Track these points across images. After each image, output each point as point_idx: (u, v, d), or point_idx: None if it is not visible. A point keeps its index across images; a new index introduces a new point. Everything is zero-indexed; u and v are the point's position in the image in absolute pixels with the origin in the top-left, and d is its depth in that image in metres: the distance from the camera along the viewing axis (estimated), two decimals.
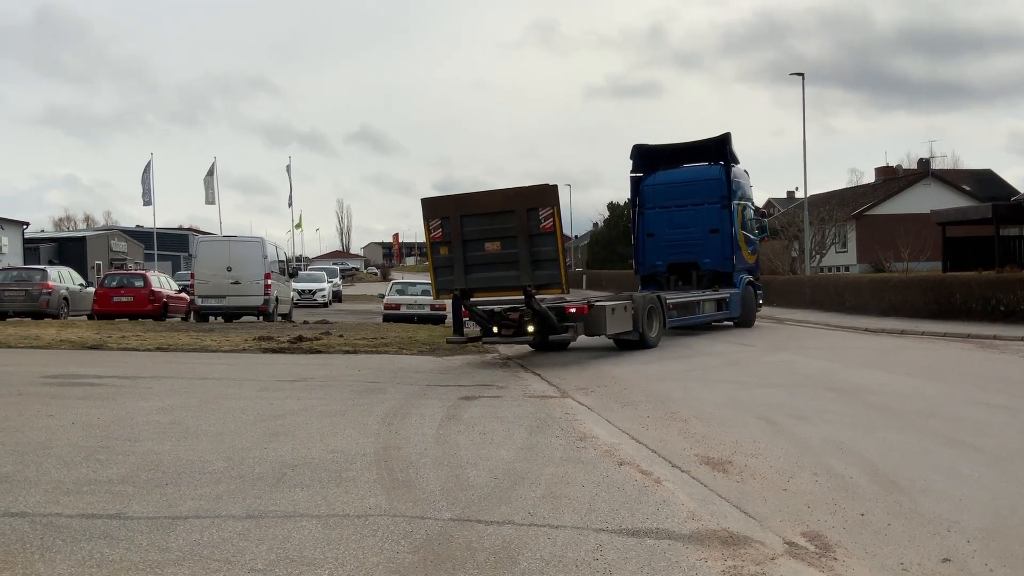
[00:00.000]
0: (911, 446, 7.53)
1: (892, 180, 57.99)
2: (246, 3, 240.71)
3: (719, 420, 8.85)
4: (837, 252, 51.10)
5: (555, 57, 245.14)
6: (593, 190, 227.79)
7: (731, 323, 21.71)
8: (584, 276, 64.03)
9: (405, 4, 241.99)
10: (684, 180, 21.89)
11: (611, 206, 72.84)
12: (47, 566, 4.14)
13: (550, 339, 15.06)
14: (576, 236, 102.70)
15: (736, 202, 21.20)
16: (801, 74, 36.96)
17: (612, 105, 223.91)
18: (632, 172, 22.41)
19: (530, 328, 14.51)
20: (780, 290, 32.65)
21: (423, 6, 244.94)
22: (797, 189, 70.44)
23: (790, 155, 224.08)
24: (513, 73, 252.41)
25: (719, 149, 21.39)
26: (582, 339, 15.70)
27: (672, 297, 18.44)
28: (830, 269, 48.76)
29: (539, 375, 12.89)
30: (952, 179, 56.66)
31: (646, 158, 22.31)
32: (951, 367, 13.88)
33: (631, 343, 15.91)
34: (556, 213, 13.42)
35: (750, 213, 22.51)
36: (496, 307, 14.84)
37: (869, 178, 65.03)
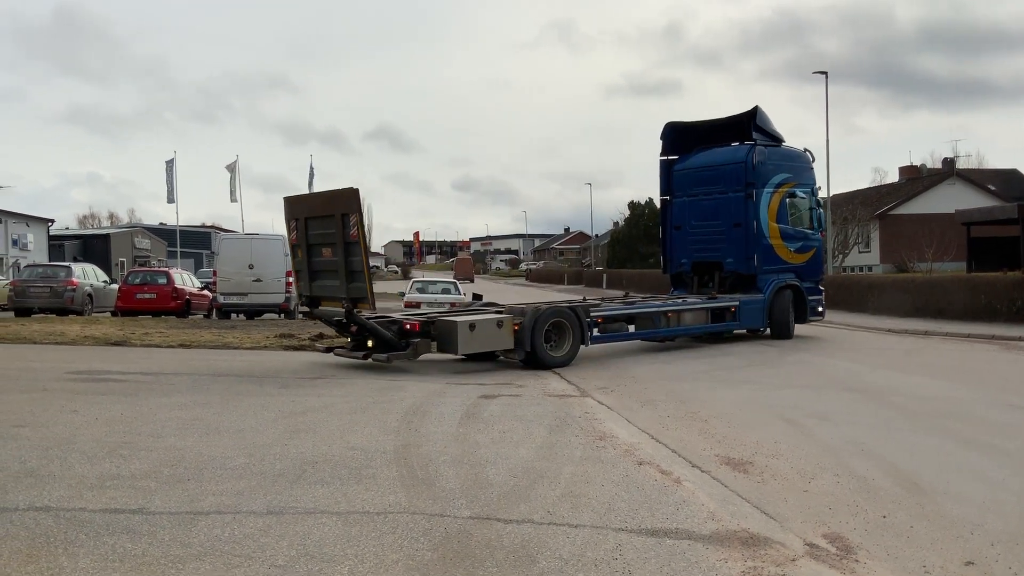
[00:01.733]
0: (934, 448, 7.47)
1: (916, 180, 57.45)
2: (263, 2, 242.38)
3: (740, 420, 8.81)
4: (860, 252, 50.71)
5: (573, 56, 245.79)
6: (613, 189, 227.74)
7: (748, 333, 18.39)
8: (604, 276, 63.87)
9: (422, 3, 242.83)
10: (710, 164, 18.61)
11: (632, 205, 72.55)
12: (70, 560, 4.18)
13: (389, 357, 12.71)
14: (597, 235, 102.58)
15: (769, 190, 17.69)
16: (824, 72, 36.62)
17: (631, 104, 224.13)
18: (662, 154, 19.34)
19: (369, 343, 13.13)
20: None
21: (440, 5, 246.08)
22: (820, 188, 69.90)
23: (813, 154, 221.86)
24: (531, 72, 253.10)
25: (749, 126, 18.12)
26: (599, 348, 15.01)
27: (611, 309, 15.38)
28: (853, 269, 48.38)
29: (559, 374, 12.87)
30: (977, 179, 56.01)
31: (679, 138, 19.23)
32: (976, 369, 13.74)
33: (530, 361, 13.33)
34: (359, 221, 12.52)
35: (798, 202, 18.44)
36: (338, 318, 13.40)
37: (893, 177, 64.50)
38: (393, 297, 36.77)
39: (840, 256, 45.17)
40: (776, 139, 18.26)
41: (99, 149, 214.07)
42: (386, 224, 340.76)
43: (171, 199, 47.49)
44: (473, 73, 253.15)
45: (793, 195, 18.25)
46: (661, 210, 19.97)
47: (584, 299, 16.88)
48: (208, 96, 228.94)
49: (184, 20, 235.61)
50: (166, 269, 32.38)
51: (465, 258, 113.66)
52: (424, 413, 8.84)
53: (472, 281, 74.91)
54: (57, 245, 57.06)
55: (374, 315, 13.74)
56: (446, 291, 25.90)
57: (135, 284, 27.06)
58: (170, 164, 46.64)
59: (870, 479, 6.25)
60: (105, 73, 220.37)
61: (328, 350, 14.05)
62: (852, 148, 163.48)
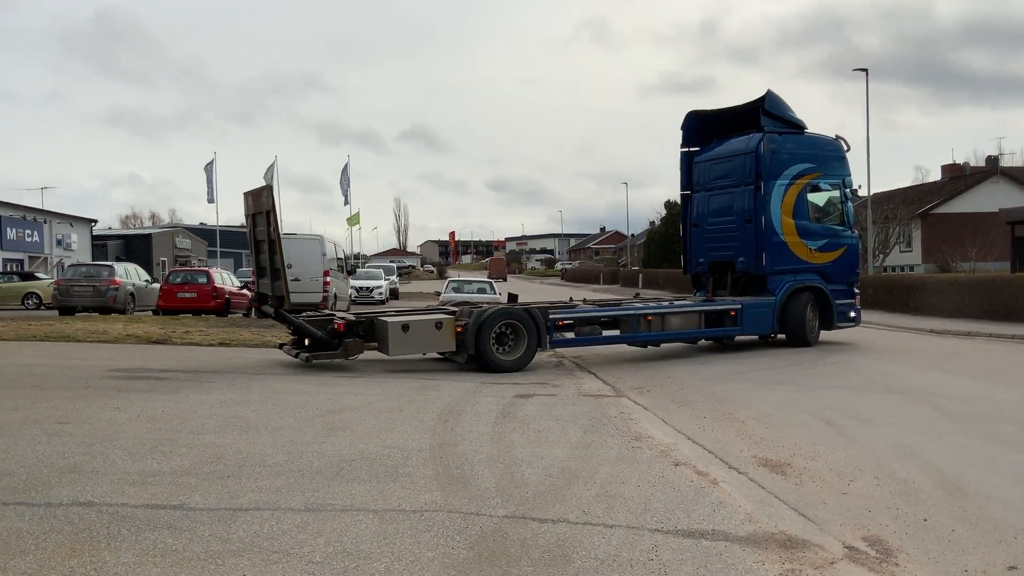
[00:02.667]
0: (978, 450, 7.34)
1: (959, 178, 56.44)
2: (297, 2, 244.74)
3: (778, 421, 8.73)
4: (901, 252, 49.97)
5: (607, 54, 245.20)
6: (649, 189, 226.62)
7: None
8: (640, 275, 63.59)
9: (455, 3, 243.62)
10: (723, 155, 17.20)
11: (668, 204, 72.03)
12: (112, 555, 4.26)
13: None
14: (633, 235, 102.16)
15: (783, 182, 16.12)
16: (865, 70, 36.21)
17: (667, 102, 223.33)
18: (682, 146, 18.03)
19: (306, 341, 12.98)
20: None
21: (474, 5, 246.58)
22: (860, 187, 69.01)
23: (852, 152, 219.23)
24: (565, 71, 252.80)
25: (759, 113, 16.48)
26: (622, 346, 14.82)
27: (574, 312, 14.39)
28: (894, 269, 47.69)
29: (594, 374, 12.84)
30: (1022, 176, 54.92)
31: (701, 128, 17.84)
32: (1020, 370, 13.48)
33: (480, 364, 12.83)
34: (273, 218, 12.56)
35: (823, 196, 16.84)
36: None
37: (935, 176, 63.50)
38: (429, 296, 36.93)
39: (881, 256, 44.56)
40: (795, 126, 16.62)
41: (139, 150, 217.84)
42: (421, 224, 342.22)
43: (211, 199, 48.19)
44: (507, 72, 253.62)
45: (816, 187, 16.57)
46: (681, 206, 18.59)
47: (571, 299, 16.14)
48: (245, 97, 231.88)
49: (220, 21, 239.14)
50: (206, 269, 32.81)
51: (498, 258, 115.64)
52: (460, 412, 8.87)
53: (505, 280, 75.53)
54: (100, 245, 58.04)
55: (316, 314, 13.88)
56: (481, 291, 25.98)
57: (176, 283, 27.46)
58: (210, 165, 47.29)
59: (911, 481, 6.16)
60: (145, 75, 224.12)
61: (281, 346, 14.17)
62: (893, 146, 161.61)
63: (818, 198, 16.79)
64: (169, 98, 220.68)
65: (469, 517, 5.03)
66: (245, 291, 28.79)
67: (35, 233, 48.52)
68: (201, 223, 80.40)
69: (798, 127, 16.67)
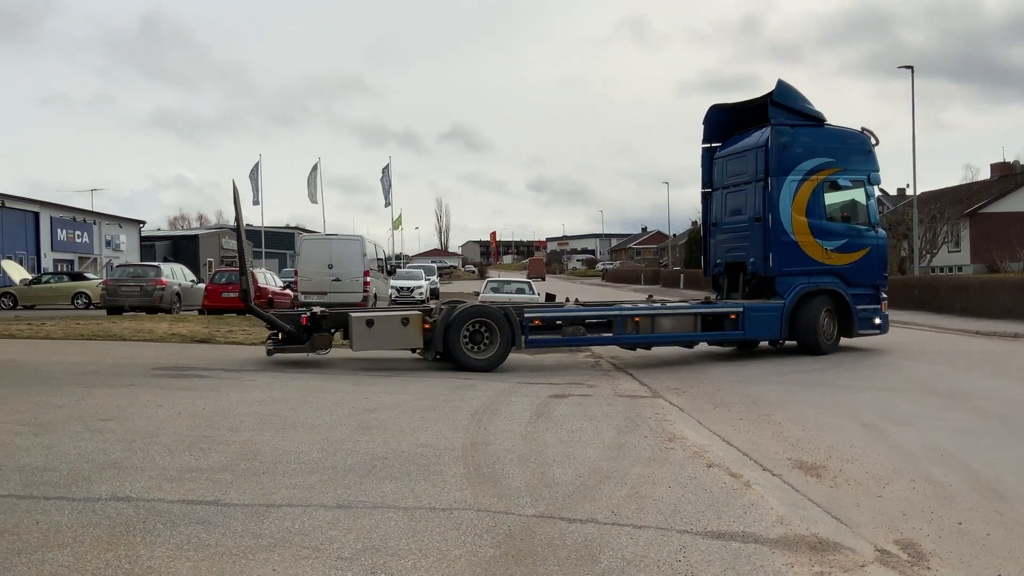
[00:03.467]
0: (1018, 455, 7.20)
1: (1009, 176, 55.22)
2: (335, 4, 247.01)
3: (815, 423, 8.64)
4: (949, 252, 49.07)
5: (646, 53, 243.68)
6: (690, 188, 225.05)
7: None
8: (682, 275, 63.18)
9: (493, 3, 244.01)
10: (737, 151, 16.38)
11: None
12: (147, 548, 4.36)
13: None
14: (675, 235, 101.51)
15: (795, 177, 15.11)
16: (910, 67, 35.61)
17: (707, 100, 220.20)
18: (704, 141, 17.18)
19: (280, 335, 13.24)
20: (887, 291, 31.50)
21: (511, 5, 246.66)
22: (908, 186, 67.95)
23: (898, 151, 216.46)
24: (604, 70, 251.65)
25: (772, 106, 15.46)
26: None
27: (552, 311, 14.12)
28: (942, 269, 46.82)
29: (631, 374, 12.81)
30: None
31: (723, 122, 16.89)
32: None
33: (453, 362, 12.88)
34: (237, 216, 12.91)
35: (843, 193, 15.73)
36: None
37: (985, 174, 62.13)
38: (468, 296, 37.04)
39: (928, 255, 43.79)
40: (811, 118, 15.52)
41: (185, 152, 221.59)
42: (463, 224, 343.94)
43: (256, 201, 48.76)
44: (545, 72, 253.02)
45: (835, 184, 15.44)
46: (702, 205, 17.69)
47: (567, 300, 15.89)
48: (287, 99, 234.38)
49: (261, 25, 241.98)
50: (250, 269, 33.24)
51: (537, 258, 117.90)
52: (494, 412, 8.91)
53: (543, 279, 76.03)
54: (148, 246, 59.16)
55: (288, 310, 14.15)
56: (520, 290, 26.02)
57: (221, 283, 27.87)
58: (255, 168, 47.93)
59: (948, 485, 6.06)
60: (189, 78, 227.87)
61: (264, 341, 14.46)
62: (941, 144, 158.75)
63: (837, 195, 15.66)
64: (213, 101, 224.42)
65: (498, 516, 5.05)
66: (288, 291, 29.16)
67: (85, 234, 49.64)
68: (247, 224, 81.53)
69: (815, 119, 15.61)
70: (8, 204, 40.26)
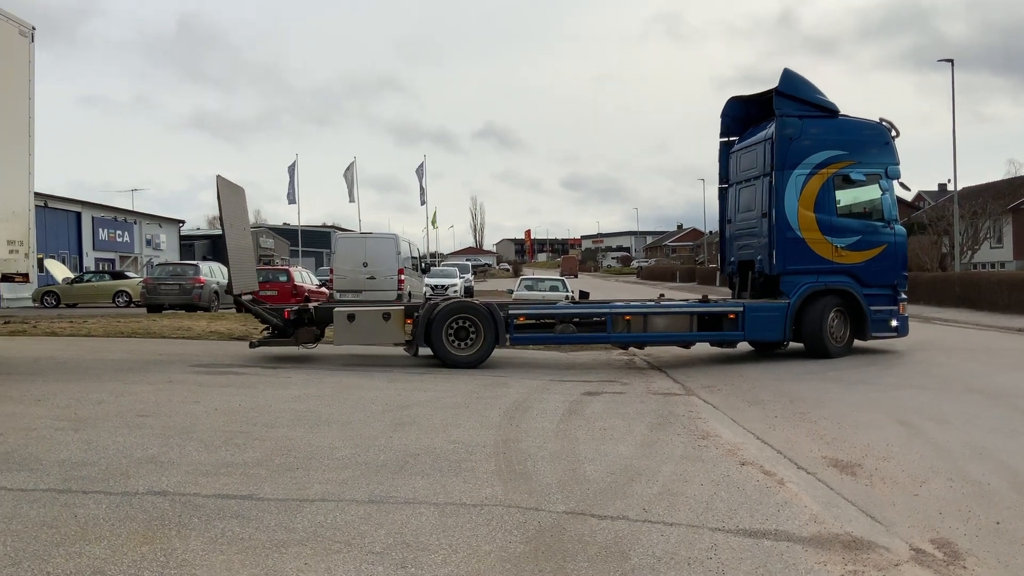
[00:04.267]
0: None
1: None
2: (371, 5, 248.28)
3: (852, 422, 8.53)
4: (991, 248, 48.19)
5: (681, 49, 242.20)
6: None
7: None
8: (717, 273, 62.69)
9: (525, 1, 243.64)
10: (749, 145, 15.78)
11: None
12: (182, 542, 4.42)
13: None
14: (710, 232, 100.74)
15: (802, 171, 14.44)
16: (950, 60, 35.05)
17: None
18: (721, 135, 16.60)
19: (271, 329, 13.70)
20: (927, 288, 31.08)
21: (543, 3, 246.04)
22: (949, 181, 66.82)
23: (938, 146, 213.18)
24: (637, 67, 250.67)
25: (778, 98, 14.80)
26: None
27: (539, 308, 14.25)
28: (984, 266, 46.00)
29: (665, 372, 12.74)
30: None
31: (742, 115, 16.20)
32: None
33: (440, 358, 12.99)
34: (219, 209, 13.16)
35: (856, 188, 14.82)
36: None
37: None
38: (502, 295, 37.09)
39: (969, 252, 43.05)
40: (823, 109, 14.78)
41: (223, 152, 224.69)
42: (497, 223, 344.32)
43: (292, 200, 49.31)
44: (578, 69, 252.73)
45: (846, 178, 14.55)
46: (719, 201, 16.98)
47: (567, 297, 16.08)
48: (322, 99, 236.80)
49: (295, 26, 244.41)
50: (287, 267, 33.61)
51: (569, 257, 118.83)
52: (526, 409, 8.91)
53: (576, 277, 76.61)
54: (187, 245, 59.98)
55: (272, 304, 14.41)
56: (554, 288, 26.01)
57: (258, 282, 28.16)
58: (292, 167, 48.40)
59: (985, 484, 5.96)
60: (225, 79, 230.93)
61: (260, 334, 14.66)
62: (983, 138, 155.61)
63: (850, 190, 14.77)
64: (249, 101, 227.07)
65: (528, 512, 5.06)
66: (324, 289, 29.42)
67: (126, 233, 50.45)
68: (284, 223, 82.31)
69: (827, 110, 14.82)
70: (51, 204, 41.02)
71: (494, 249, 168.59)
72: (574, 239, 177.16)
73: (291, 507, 5.08)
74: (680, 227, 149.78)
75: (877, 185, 14.74)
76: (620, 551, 4.41)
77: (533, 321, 13.69)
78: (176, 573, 4.00)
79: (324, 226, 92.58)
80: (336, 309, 13.13)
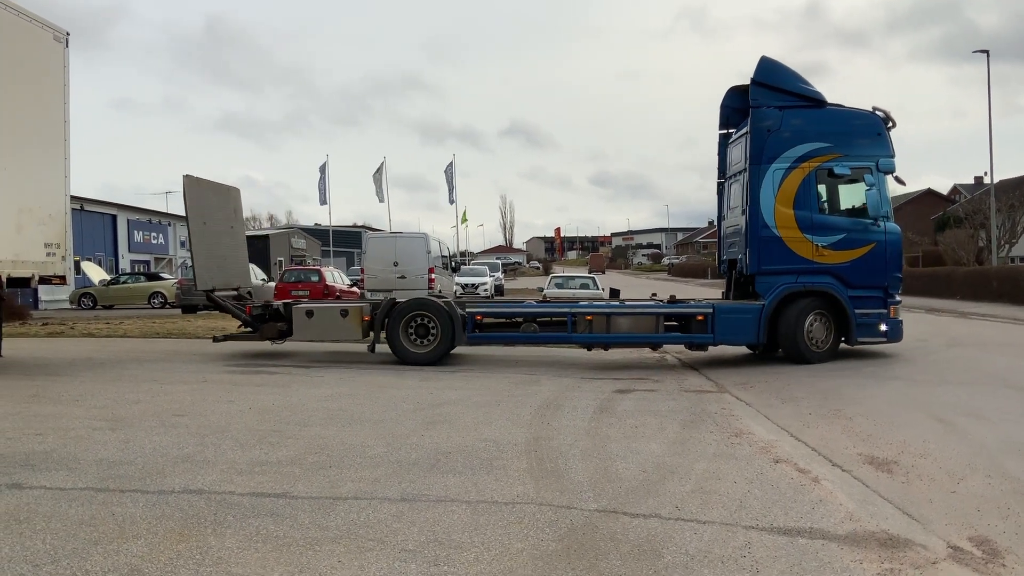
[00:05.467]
0: None
1: None
2: (395, 5, 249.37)
3: (887, 418, 8.42)
4: None
5: (708, 44, 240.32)
6: None
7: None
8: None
9: None
10: (737, 138, 14.94)
11: None
12: (218, 539, 4.47)
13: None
14: None
15: (780, 165, 13.46)
16: (986, 51, 34.45)
17: None
18: (720, 127, 15.59)
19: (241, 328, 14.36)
20: (963, 282, 30.66)
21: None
22: (985, 174, 65.74)
23: (973, 138, 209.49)
24: (664, 62, 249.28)
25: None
26: None
27: (496, 306, 14.52)
28: (1022, 259, 45.22)
29: (698, 370, 12.67)
30: None
31: (741, 105, 14.74)
32: None
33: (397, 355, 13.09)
34: (186, 208, 13.42)
35: (841, 182, 13.72)
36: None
37: None
38: (533, 292, 37.05)
39: (1007, 245, 42.36)
40: (808, 98, 13.72)
41: (252, 154, 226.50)
42: (527, 221, 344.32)
43: (323, 201, 49.68)
44: (605, 66, 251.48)
45: (831, 172, 13.45)
46: (717, 196, 15.96)
47: (543, 294, 16.01)
48: (349, 99, 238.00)
49: (321, 27, 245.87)
50: (318, 267, 33.86)
51: (598, 254, 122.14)
52: (557, 407, 8.90)
53: (603, 273, 77.38)
54: None
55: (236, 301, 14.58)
56: (584, 286, 25.93)
57: (290, 282, 28.47)
58: (323, 168, 48.74)
59: None
60: (253, 81, 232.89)
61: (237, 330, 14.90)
62: (1018, 130, 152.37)
63: (833, 185, 13.74)
64: (277, 103, 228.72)
65: (560, 510, 5.05)
66: (355, 288, 29.60)
67: (160, 235, 51.04)
68: (316, 223, 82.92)
69: (812, 100, 13.76)
70: (87, 207, 41.61)
71: (524, 247, 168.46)
72: (604, 236, 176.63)
73: (324, 505, 5.12)
74: (711, 223, 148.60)
75: (867, 178, 13.49)
76: (653, 549, 4.40)
77: (503, 320, 13.67)
78: (211, 571, 4.04)
79: (355, 226, 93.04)
80: (296, 305, 13.53)
